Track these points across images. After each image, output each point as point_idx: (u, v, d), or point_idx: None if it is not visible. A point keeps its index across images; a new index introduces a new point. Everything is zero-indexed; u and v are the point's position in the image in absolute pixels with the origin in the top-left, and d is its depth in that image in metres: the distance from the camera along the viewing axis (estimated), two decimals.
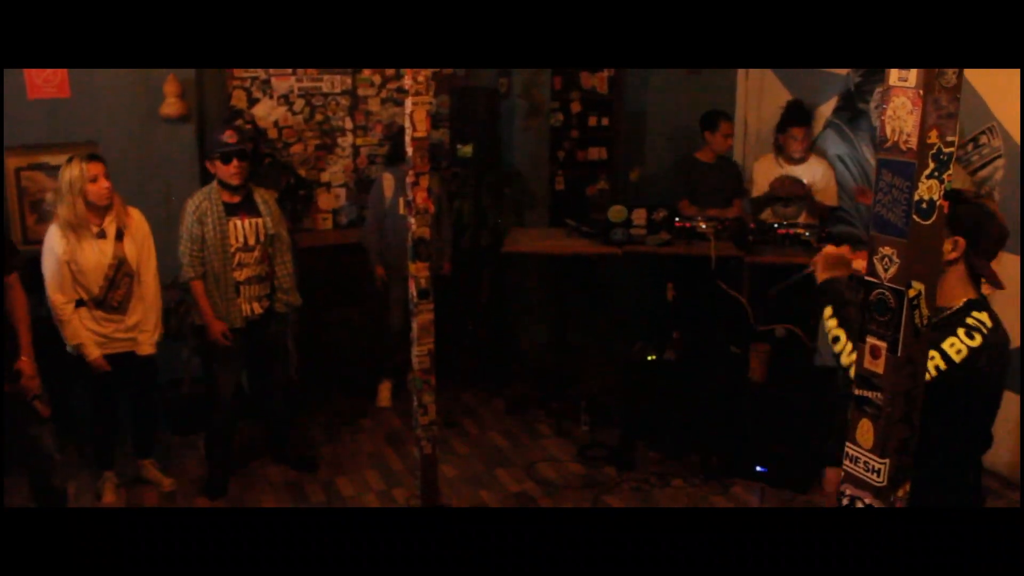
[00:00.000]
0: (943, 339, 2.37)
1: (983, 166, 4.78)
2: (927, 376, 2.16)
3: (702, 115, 5.94)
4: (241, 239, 4.57)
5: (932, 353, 2.31)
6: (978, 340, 2.37)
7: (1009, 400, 4.69)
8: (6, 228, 3.99)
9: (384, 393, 5.86)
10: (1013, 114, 4.61)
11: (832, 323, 2.61)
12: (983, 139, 4.78)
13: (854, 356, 2.15)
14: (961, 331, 2.38)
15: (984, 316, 2.44)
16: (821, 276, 2.70)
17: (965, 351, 2.36)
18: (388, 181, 5.54)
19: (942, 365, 2.34)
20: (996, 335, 2.43)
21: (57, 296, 4.22)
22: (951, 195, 2.33)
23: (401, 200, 5.44)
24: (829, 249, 2.72)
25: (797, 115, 5.75)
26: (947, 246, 2.44)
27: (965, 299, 2.50)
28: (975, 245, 2.49)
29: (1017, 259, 4.63)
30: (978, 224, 2.49)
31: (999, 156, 4.71)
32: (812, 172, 5.67)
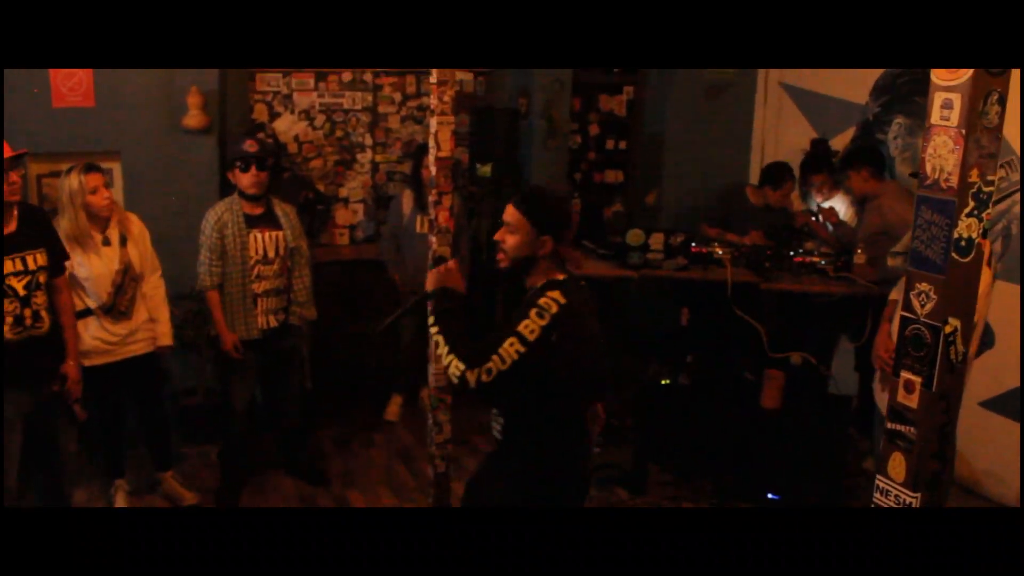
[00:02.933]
0: (519, 322, 2.67)
1: (1001, 199, 4.80)
2: (510, 360, 2.62)
3: (767, 166, 5.94)
4: (261, 251, 4.58)
5: (511, 339, 2.63)
6: (547, 319, 2.66)
7: (1014, 431, 4.73)
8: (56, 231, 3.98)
9: (393, 408, 5.87)
10: None
11: (433, 329, 2.83)
12: (1001, 172, 4.80)
13: (452, 359, 2.68)
14: (533, 312, 2.68)
15: (556, 294, 2.73)
16: (429, 286, 2.96)
17: (537, 330, 2.65)
18: (407, 198, 5.57)
19: (521, 348, 2.62)
20: (568, 309, 2.71)
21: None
22: (531, 196, 2.93)
23: (418, 218, 5.47)
24: (441, 266, 3.03)
25: (814, 161, 5.74)
26: (538, 246, 2.82)
27: (544, 280, 2.83)
28: (560, 239, 2.86)
29: (1017, 288, 4.65)
30: (560, 220, 2.88)
31: (1017, 190, 4.73)
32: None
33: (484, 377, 2.62)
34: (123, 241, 4.33)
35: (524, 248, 2.84)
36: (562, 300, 2.71)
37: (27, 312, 3.63)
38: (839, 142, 6.02)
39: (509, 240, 2.88)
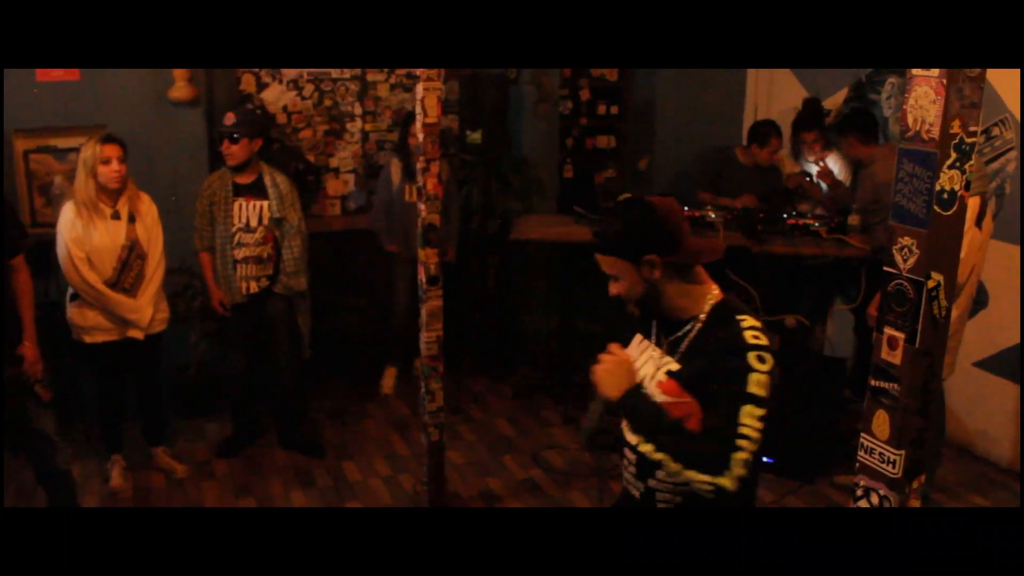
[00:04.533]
0: (745, 383, 2.09)
1: (995, 158, 4.76)
2: (758, 427, 2.07)
3: (753, 124, 5.95)
4: (244, 220, 4.69)
5: (748, 408, 2.08)
6: (769, 360, 2.12)
7: (1008, 390, 4.73)
8: (15, 210, 3.97)
9: (388, 380, 5.87)
10: None
11: (648, 447, 2.22)
12: (995, 131, 4.76)
13: (692, 475, 2.08)
14: (752, 356, 2.11)
15: (747, 318, 2.19)
16: (614, 396, 2.27)
17: (766, 380, 2.11)
18: (396, 167, 5.54)
19: (762, 411, 2.10)
20: (766, 333, 2.18)
21: (90, 275, 4.21)
22: (601, 232, 2.30)
23: (407, 186, 5.45)
24: (614, 361, 2.31)
25: (806, 119, 5.74)
26: (646, 273, 2.23)
27: (711, 304, 2.26)
28: (668, 250, 2.24)
29: (1017, 249, 4.63)
30: (650, 231, 2.25)
31: (1011, 148, 4.69)
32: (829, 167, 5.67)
33: (741, 472, 2.06)
34: (132, 218, 4.32)
35: (636, 285, 2.26)
36: (757, 323, 2.19)
37: None
38: (832, 103, 5.96)
39: (615, 288, 2.31)
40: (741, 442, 2.06)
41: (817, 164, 5.62)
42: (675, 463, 2.12)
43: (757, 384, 2.08)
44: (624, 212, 2.33)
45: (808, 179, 5.69)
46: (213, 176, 4.78)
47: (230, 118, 4.61)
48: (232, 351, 4.95)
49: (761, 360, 2.10)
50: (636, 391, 2.25)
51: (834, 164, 5.65)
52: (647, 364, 2.35)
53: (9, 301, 3.71)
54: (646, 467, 2.33)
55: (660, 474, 2.29)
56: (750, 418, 2.07)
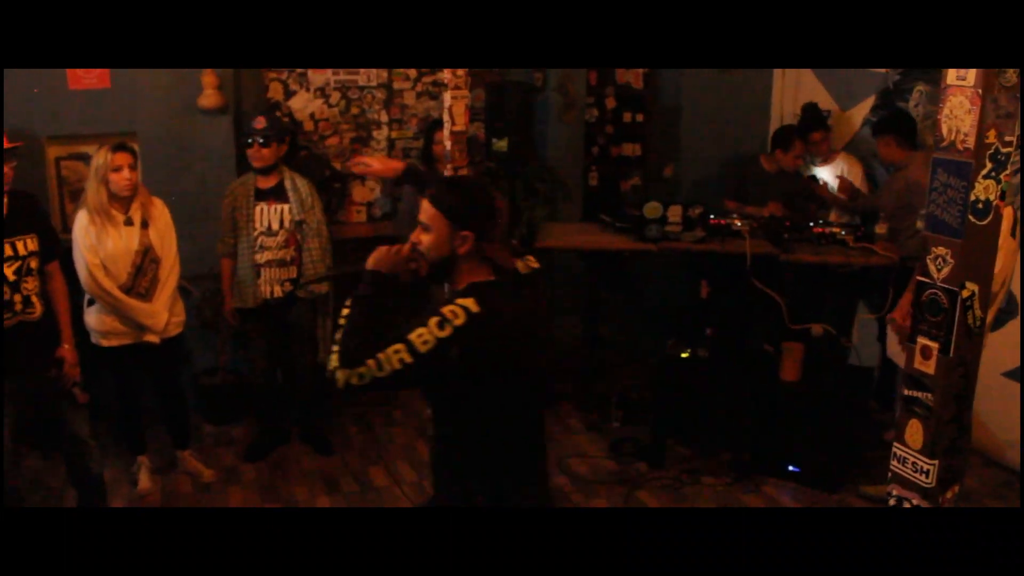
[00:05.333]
0: (413, 327, 2.30)
1: (1017, 171, 4.71)
2: (390, 368, 2.28)
3: (776, 130, 5.97)
4: (265, 223, 4.75)
5: (398, 346, 2.28)
6: (448, 330, 2.28)
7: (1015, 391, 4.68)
8: (48, 216, 4.05)
9: None
10: None
11: (344, 310, 2.45)
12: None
13: (335, 348, 2.33)
14: (433, 320, 2.30)
15: (469, 301, 2.34)
16: (368, 263, 2.52)
17: (432, 342, 2.28)
18: None
19: (407, 358, 2.27)
20: (480, 319, 2.32)
21: (105, 281, 4.25)
22: (445, 187, 2.55)
23: None
24: (392, 247, 2.56)
25: (811, 120, 5.79)
26: (457, 243, 2.42)
27: (470, 283, 2.45)
28: (483, 235, 2.43)
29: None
30: (481, 212, 2.45)
31: None
32: (836, 171, 5.67)
33: (354, 380, 2.30)
34: (145, 223, 4.36)
35: (442, 247, 2.44)
36: (474, 308, 2.32)
37: (17, 298, 3.65)
38: (859, 111, 5.95)
39: (424, 240, 2.48)
40: (370, 361, 2.28)
41: (826, 170, 5.65)
42: (339, 332, 2.38)
43: (419, 336, 2.28)
44: (473, 186, 2.64)
45: (816, 183, 5.71)
46: (235, 183, 4.85)
47: (261, 122, 4.69)
48: (253, 355, 5.03)
49: (440, 326, 2.29)
50: (382, 280, 2.46)
51: (840, 166, 5.66)
52: None
53: (46, 305, 3.76)
54: None
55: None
56: (394, 353, 2.28)
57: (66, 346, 3.82)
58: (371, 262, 2.49)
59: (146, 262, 4.37)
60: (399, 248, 2.51)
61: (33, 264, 3.69)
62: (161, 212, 4.46)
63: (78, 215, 4.30)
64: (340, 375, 2.30)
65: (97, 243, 4.23)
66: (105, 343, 4.39)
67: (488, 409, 2.46)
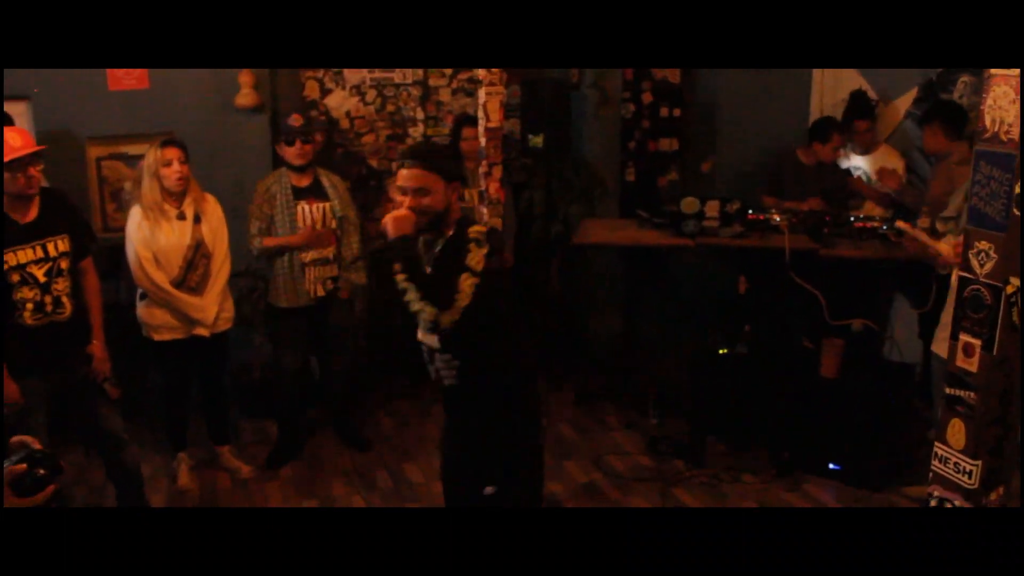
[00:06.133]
0: (462, 258, 2.86)
1: None
2: (470, 292, 2.83)
3: (814, 122, 5.89)
4: (309, 222, 4.71)
5: (464, 275, 2.84)
6: (485, 246, 2.88)
7: None
8: (81, 214, 4.11)
9: None
10: None
11: (400, 277, 2.90)
12: None
13: (423, 305, 2.85)
14: (472, 244, 2.88)
15: (479, 227, 2.98)
16: (392, 234, 2.92)
17: (481, 259, 2.86)
18: None
19: (475, 279, 2.85)
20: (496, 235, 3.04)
21: (156, 275, 4.31)
22: (428, 151, 3.28)
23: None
24: (397, 212, 2.96)
25: (859, 108, 5.70)
26: (450, 194, 2.97)
27: (455, 220, 3.01)
28: (464, 181, 3.33)
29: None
30: (458, 165, 3.20)
31: None
32: (877, 163, 5.58)
33: (455, 316, 2.82)
34: (197, 218, 4.41)
35: (442, 202, 2.94)
36: (483, 229, 2.96)
37: (47, 299, 3.69)
38: (902, 103, 5.84)
39: (425, 201, 2.92)
40: (456, 295, 2.82)
41: (865, 161, 5.57)
42: (417, 291, 2.87)
43: (472, 260, 2.87)
44: (441, 146, 3.52)
45: (851, 175, 5.63)
46: (269, 179, 4.76)
47: (298, 119, 4.68)
48: (285, 352, 4.89)
49: (479, 244, 2.89)
50: (410, 240, 2.94)
51: (882, 158, 5.58)
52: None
53: (78, 302, 3.81)
54: (430, 355, 3.14)
55: (437, 358, 3.10)
56: (465, 281, 2.84)
57: (96, 342, 3.87)
58: (393, 231, 2.91)
59: (197, 256, 4.42)
60: (404, 213, 2.93)
61: (64, 264, 3.73)
62: (214, 208, 4.52)
63: (132, 211, 4.37)
64: (444, 318, 2.85)
65: (150, 237, 4.30)
66: (156, 337, 4.45)
67: (506, 341, 3.09)
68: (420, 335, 3.12)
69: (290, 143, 4.64)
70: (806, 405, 4.77)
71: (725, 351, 5.02)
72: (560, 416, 5.57)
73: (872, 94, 5.93)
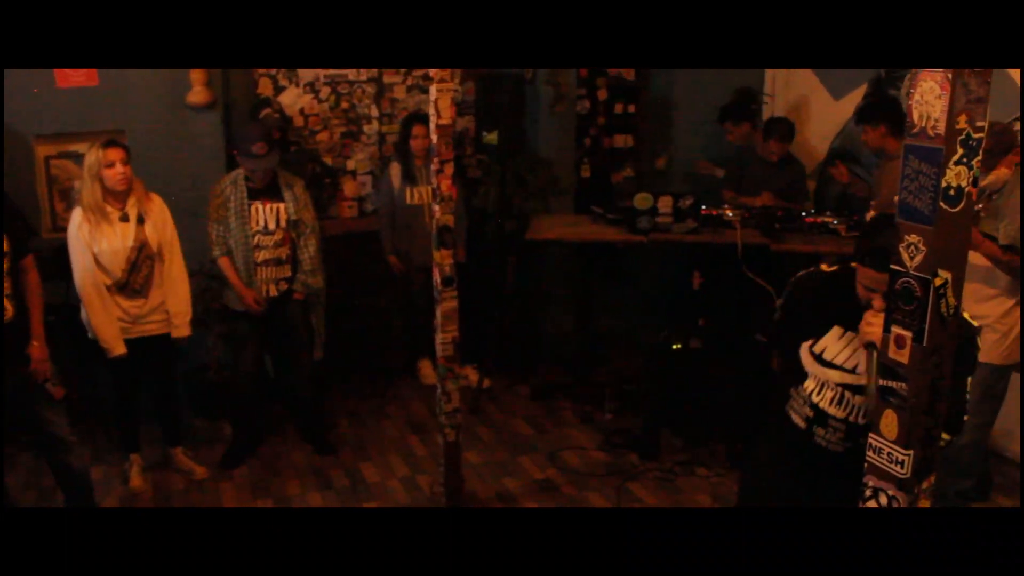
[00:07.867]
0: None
1: None
2: None
3: (767, 121, 5.99)
4: (261, 223, 4.71)
5: None
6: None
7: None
8: (21, 212, 4.02)
9: (427, 370, 5.90)
10: None
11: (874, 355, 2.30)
12: (1015, 126, 4.69)
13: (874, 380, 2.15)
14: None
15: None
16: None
17: None
18: (395, 170, 5.61)
19: None
20: None
21: (87, 279, 4.24)
22: (876, 253, 2.44)
23: (408, 189, 5.53)
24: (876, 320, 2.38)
25: (735, 108, 5.99)
26: None
27: None
28: None
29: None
30: None
31: None
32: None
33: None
34: (140, 219, 4.35)
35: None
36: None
37: None
38: (851, 100, 5.92)
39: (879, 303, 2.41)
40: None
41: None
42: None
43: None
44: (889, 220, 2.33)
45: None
46: (225, 182, 4.73)
47: (262, 148, 4.61)
48: (241, 353, 4.89)
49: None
50: None
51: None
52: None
53: (20, 302, 3.73)
54: (855, 432, 2.70)
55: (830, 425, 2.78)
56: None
57: (35, 343, 3.76)
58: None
59: (141, 258, 4.35)
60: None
61: (5, 265, 3.65)
62: (159, 208, 4.44)
63: (73, 213, 4.28)
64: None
65: (91, 240, 4.22)
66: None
67: None
68: (825, 404, 2.80)
69: (253, 159, 4.61)
70: (759, 399, 4.81)
71: (679, 346, 5.06)
72: (516, 412, 5.59)
73: (825, 92, 6.00)
